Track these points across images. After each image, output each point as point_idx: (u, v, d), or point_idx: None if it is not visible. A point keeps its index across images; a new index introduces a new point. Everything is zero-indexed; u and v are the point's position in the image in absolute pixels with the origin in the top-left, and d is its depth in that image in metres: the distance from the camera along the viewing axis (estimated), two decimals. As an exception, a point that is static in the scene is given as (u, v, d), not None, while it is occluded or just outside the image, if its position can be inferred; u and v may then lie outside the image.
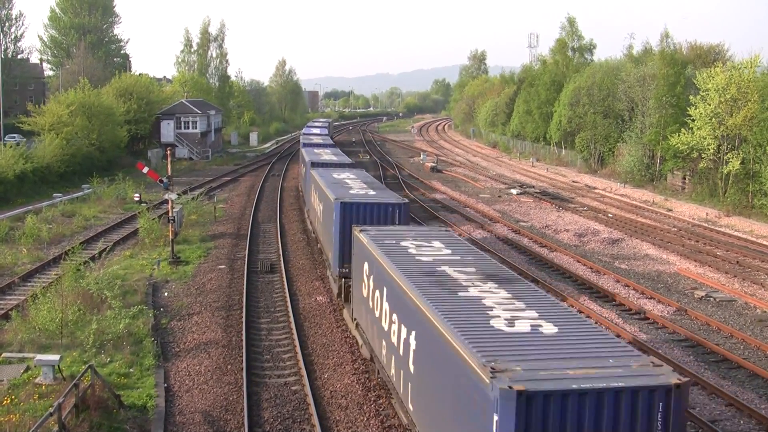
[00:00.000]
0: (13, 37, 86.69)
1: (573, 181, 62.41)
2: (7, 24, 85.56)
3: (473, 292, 13.51)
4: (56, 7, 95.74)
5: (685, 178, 53.36)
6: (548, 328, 11.58)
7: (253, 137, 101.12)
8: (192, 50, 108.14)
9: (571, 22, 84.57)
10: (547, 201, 50.41)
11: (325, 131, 74.50)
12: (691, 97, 50.29)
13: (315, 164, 37.28)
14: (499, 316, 12.01)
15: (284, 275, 28.86)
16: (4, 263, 29.81)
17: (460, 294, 13.37)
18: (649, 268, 31.84)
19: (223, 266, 30.63)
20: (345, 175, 31.50)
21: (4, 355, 19.65)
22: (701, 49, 66.12)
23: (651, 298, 26.82)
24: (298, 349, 20.79)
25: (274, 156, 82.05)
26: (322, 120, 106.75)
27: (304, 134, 66.99)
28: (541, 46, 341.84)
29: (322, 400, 17.79)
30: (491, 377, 9.44)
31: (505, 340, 11.03)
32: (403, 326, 14.03)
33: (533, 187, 58.00)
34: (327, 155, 43.45)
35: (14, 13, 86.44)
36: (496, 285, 14.02)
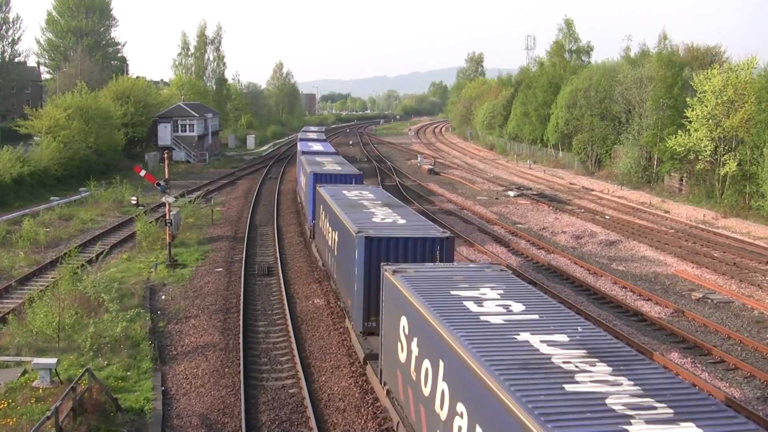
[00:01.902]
0: (10, 40, 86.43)
1: (570, 183, 62.46)
2: (4, 27, 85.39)
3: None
4: (53, 10, 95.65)
5: (682, 180, 53.43)
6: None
7: (251, 140, 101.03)
8: (189, 53, 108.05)
9: (569, 24, 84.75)
10: (544, 203, 50.44)
11: (330, 147, 55.75)
12: (688, 99, 50.32)
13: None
14: None
15: (281, 278, 28.86)
16: (1, 267, 29.79)
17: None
18: (647, 270, 31.87)
19: (220, 269, 30.61)
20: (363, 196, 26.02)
21: (1, 358, 19.62)
22: (698, 50, 66.20)
23: (648, 300, 26.86)
24: (295, 351, 20.79)
25: (271, 159, 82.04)
26: (314, 128, 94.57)
27: (304, 152, 49.01)
28: (539, 48, 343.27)
29: (320, 402, 17.78)
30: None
31: None
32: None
33: (530, 189, 58.03)
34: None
35: (11, 16, 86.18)
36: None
